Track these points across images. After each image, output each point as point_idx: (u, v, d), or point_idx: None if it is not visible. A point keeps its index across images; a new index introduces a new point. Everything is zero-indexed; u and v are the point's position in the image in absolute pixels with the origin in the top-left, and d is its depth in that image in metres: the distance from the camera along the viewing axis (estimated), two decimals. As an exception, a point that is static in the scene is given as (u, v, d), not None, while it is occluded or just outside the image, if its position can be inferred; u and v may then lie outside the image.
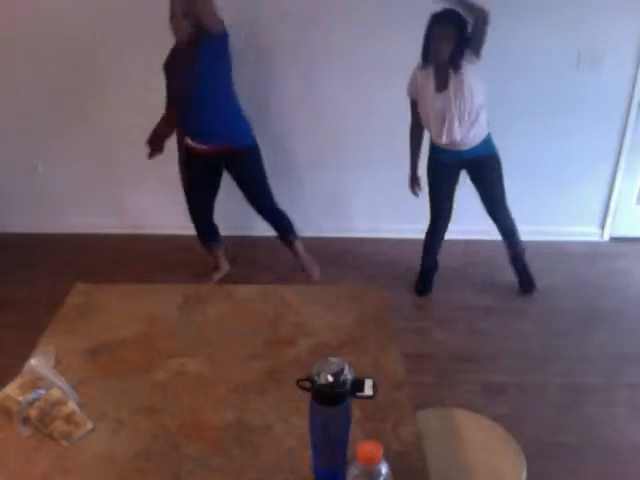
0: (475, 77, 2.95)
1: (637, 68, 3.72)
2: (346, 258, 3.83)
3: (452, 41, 2.83)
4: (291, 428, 1.25)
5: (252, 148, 3.13)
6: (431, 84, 2.99)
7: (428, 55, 2.94)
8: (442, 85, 2.96)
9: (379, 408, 1.29)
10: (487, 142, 3.16)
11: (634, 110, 3.82)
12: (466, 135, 3.06)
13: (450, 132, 3.02)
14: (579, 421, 2.59)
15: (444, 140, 3.06)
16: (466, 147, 3.12)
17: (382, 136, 3.79)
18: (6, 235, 3.96)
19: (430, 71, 2.99)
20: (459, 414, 1.67)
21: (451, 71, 2.91)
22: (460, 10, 2.82)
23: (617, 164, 3.98)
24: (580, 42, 3.63)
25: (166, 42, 3.57)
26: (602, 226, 4.17)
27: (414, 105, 3.16)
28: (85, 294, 1.72)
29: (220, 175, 3.25)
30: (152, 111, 3.79)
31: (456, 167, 3.26)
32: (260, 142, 3.19)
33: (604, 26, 3.60)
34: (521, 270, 3.53)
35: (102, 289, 1.76)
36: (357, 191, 4.05)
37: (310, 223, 3.89)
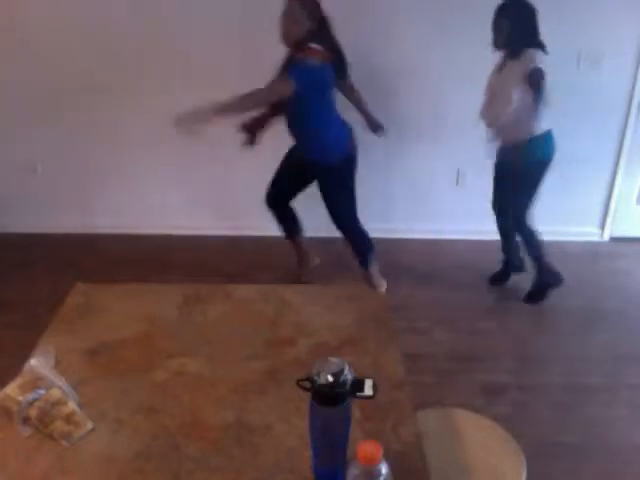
0: (520, 74, 3.02)
1: (637, 68, 3.72)
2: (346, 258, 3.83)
3: (504, 32, 3.01)
4: (291, 428, 1.25)
5: (335, 167, 3.12)
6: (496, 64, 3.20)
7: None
8: (499, 67, 3.16)
9: (379, 408, 1.28)
10: (530, 147, 3.15)
11: (634, 110, 3.82)
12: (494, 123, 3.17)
13: (484, 107, 3.20)
14: (580, 421, 2.59)
15: (480, 113, 3.22)
16: (501, 142, 3.23)
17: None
18: (6, 235, 3.96)
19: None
20: (459, 414, 1.66)
21: (507, 58, 3.08)
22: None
23: (617, 164, 3.98)
24: (580, 42, 3.63)
25: (168, 47, 3.60)
26: (602, 226, 4.17)
27: None
28: (85, 294, 1.72)
29: (305, 181, 3.29)
30: (152, 111, 3.80)
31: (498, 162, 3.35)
32: None
33: (604, 26, 3.60)
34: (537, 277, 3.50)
35: (102, 289, 1.76)
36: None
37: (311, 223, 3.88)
